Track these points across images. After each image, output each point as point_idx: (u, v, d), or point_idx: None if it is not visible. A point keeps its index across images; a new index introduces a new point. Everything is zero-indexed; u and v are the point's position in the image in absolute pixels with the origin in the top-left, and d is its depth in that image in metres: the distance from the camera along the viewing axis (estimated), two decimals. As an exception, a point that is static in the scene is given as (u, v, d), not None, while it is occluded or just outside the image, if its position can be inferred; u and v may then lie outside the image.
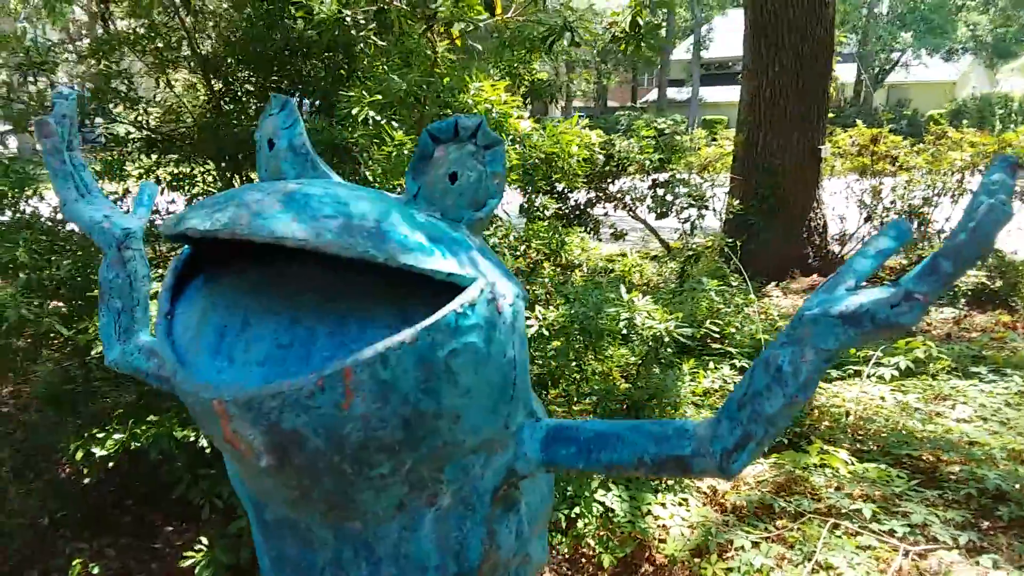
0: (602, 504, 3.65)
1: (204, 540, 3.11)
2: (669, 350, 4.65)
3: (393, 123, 3.33)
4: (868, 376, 5.06)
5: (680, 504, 3.82)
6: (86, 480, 3.85)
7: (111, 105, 3.78)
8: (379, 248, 0.73)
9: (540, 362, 3.73)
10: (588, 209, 9.79)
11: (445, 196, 0.88)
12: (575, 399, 4.20)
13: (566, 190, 9.82)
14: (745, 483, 4.20)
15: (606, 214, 9.99)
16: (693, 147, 9.99)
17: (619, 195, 9.62)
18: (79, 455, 3.40)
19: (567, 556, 3.54)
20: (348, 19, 3.30)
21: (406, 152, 3.54)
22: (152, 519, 3.79)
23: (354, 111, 2.94)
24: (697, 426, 0.94)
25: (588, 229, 9.76)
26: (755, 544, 3.35)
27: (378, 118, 3.00)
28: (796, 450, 4.23)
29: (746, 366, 5.16)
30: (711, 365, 4.71)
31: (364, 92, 3.02)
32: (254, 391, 0.72)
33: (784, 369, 0.88)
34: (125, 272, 1.05)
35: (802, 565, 3.23)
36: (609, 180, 9.55)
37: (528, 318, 3.63)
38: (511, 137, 4.08)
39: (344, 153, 3.57)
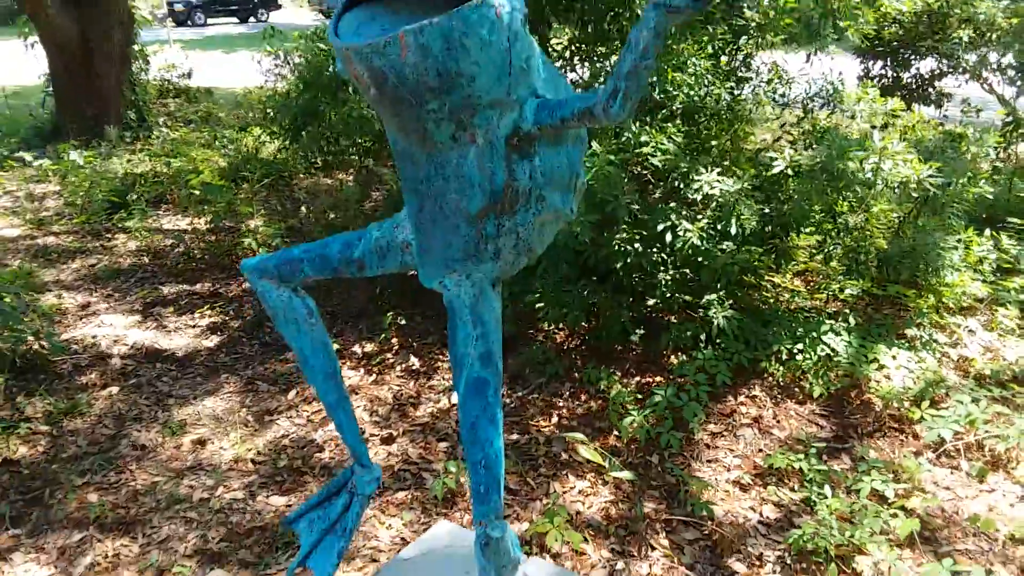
0: (828, 345, 3.80)
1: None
2: (955, 218, 4.41)
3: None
4: None
5: (918, 361, 3.79)
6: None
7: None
8: None
9: (784, 204, 3.87)
10: (935, 80, 8.86)
11: None
12: (830, 247, 4.26)
13: (911, 56, 8.95)
14: (1004, 359, 4.00)
15: (959, 86, 8.96)
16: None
17: (971, 65, 8.53)
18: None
19: (781, 383, 3.79)
20: None
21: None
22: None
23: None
24: (602, 87, 1.28)
25: (930, 102, 8.87)
26: (975, 400, 3.30)
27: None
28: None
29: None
30: (987, 233, 4.38)
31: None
32: (359, 44, 1.25)
33: (631, 43, 1.19)
34: None
35: (1017, 424, 3.14)
36: (961, 47, 8.46)
37: (775, 159, 3.78)
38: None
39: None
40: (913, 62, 8.99)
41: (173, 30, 23.21)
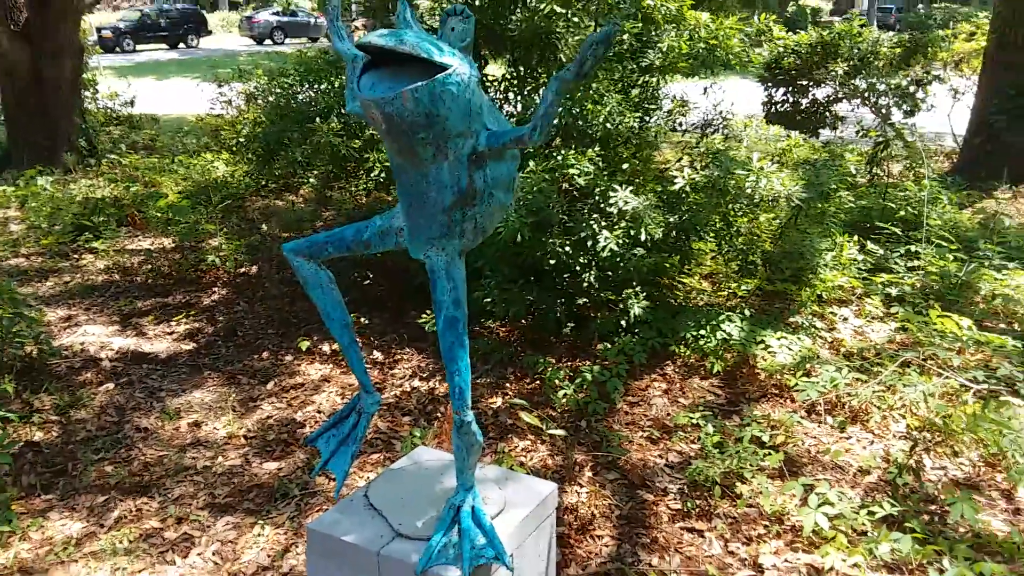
0: (725, 331, 4.57)
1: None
2: (833, 225, 5.29)
3: (578, 15, 4.34)
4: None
5: (797, 342, 4.59)
6: (367, 281, 5.57)
7: None
8: (416, 49, 1.85)
9: (684, 215, 4.64)
10: (831, 105, 9.86)
11: (450, 37, 1.97)
12: (726, 252, 5.07)
13: (810, 85, 9.96)
14: (870, 339, 4.84)
15: (853, 110, 9.96)
16: (948, 42, 9.62)
17: (862, 91, 9.51)
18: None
19: (687, 363, 4.54)
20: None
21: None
22: (406, 307, 5.35)
23: (541, 6, 4.00)
24: (528, 124, 1.95)
25: (826, 125, 9.90)
26: (838, 369, 4.10)
27: (560, 9, 4.03)
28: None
29: (913, 248, 5.58)
30: (856, 237, 5.25)
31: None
32: (376, 97, 1.89)
33: (544, 97, 1.87)
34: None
35: (870, 386, 3.95)
36: (853, 76, 9.43)
37: (676, 177, 4.55)
38: (688, 29, 4.90)
39: (544, 39, 4.64)
40: (811, 89, 9.98)
41: (102, 57, 23.19)
